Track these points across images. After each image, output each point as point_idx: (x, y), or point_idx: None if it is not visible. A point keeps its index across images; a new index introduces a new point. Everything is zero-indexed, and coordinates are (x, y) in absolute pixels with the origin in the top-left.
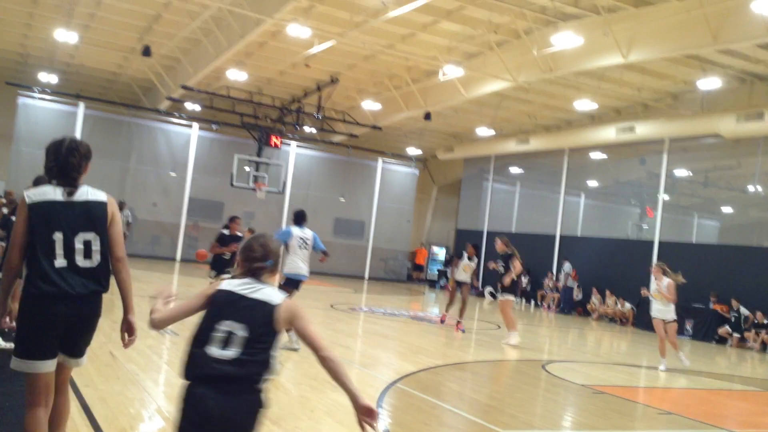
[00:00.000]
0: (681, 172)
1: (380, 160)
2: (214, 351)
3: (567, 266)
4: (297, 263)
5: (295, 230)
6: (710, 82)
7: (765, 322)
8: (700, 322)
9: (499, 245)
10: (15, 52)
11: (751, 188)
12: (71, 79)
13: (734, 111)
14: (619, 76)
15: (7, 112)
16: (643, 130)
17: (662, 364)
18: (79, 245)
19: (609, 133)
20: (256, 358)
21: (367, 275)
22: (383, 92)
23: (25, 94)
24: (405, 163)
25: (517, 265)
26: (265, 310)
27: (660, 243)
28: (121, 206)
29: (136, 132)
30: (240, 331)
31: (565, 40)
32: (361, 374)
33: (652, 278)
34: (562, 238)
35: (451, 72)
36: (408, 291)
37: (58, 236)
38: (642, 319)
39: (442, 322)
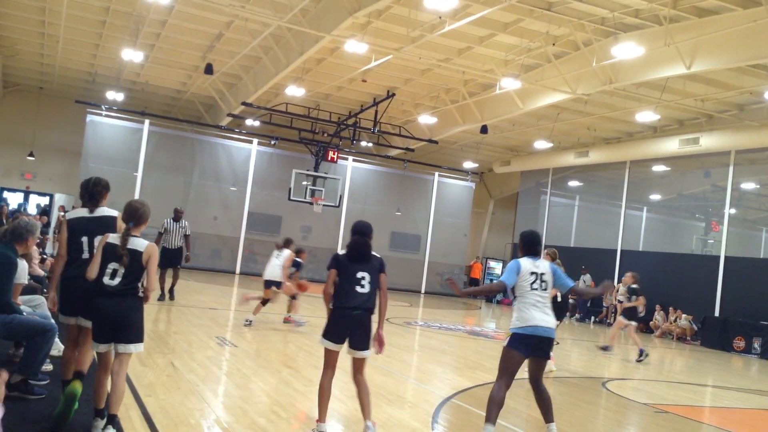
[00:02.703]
0: (748, 185)
1: (436, 174)
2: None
3: (587, 278)
4: (527, 312)
5: (525, 263)
6: None
7: None
8: None
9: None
10: (84, 72)
11: None
12: (137, 97)
13: None
14: (682, 86)
15: (76, 129)
16: (708, 141)
17: None
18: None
19: (672, 145)
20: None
21: (423, 289)
22: (439, 106)
23: (93, 112)
24: (461, 176)
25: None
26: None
27: (726, 258)
28: (178, 216)
29: (198, 148)
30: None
31: (626, 50)
32: (417, 389)
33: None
34: (623, 252)
35: (508, 85)
36: (464, 305)
37: (84, 239)
38: (708, 337)
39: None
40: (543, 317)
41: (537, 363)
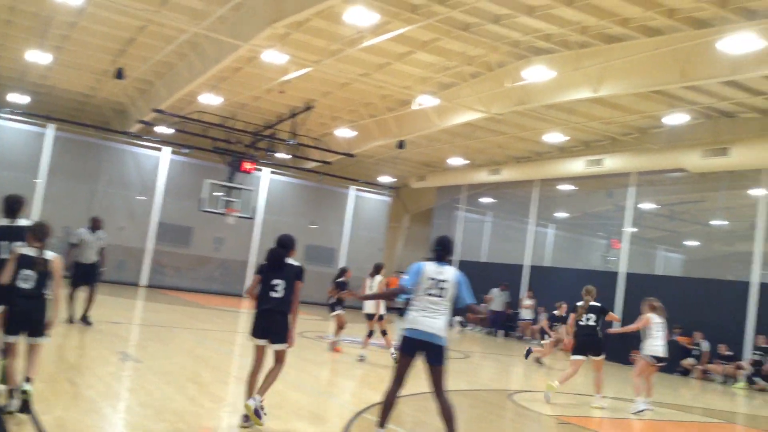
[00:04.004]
0: (647, 206)
1: (353, 188)
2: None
3: (494, 291)
4: (412, 315)
5: (428, 267)
6: (677, 118)
7: (728, 354)
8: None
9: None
10: None
11: (714, 222)
12: (42, 101)
13: (699, 146)
14: (588, 110)
15: None
16: (611, 163)
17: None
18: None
19: (578, 166)
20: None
21: None
22: (357, 120)
23: None
24: (377, 190)
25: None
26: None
27: (625, 274)
28: (96, 226)
29: (105, 155)
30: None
31: (537, 73)
32: (328, 404)
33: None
34: (531, 268)
35: (425, 102)
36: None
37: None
38: (606, 351)
39: None
40: (427, 322)
41: (431, 371)
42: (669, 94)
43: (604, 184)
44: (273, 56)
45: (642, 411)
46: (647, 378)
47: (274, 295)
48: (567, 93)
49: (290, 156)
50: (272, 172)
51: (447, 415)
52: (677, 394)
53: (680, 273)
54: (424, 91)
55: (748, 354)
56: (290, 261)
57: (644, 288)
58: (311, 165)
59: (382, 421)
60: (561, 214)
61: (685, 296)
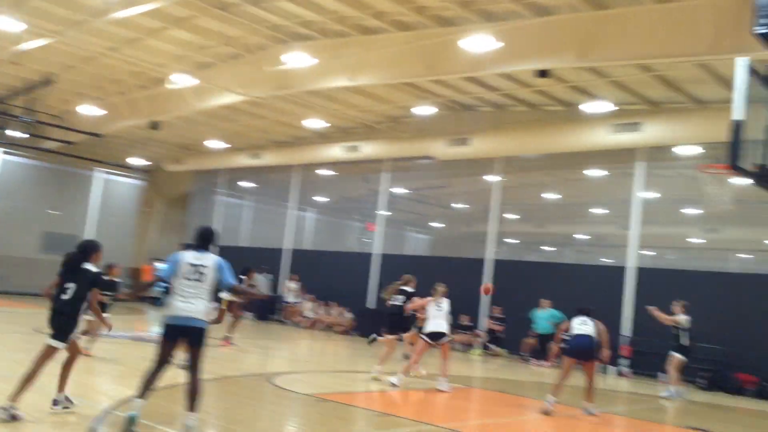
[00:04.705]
0: (399, 190)
1: (99, 170)
2: None
3: (260, 277)
4: (171, 301)
5: (186, 255)
6: (425, 109)
7: (468, 324)
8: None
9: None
10: None
11: (456, 206)
12: None
13: (444, 136)
14: (346, 97)
15: None
16: (367, 149)
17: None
18: None
19: (336, 152)
20: None
21: None
22: (105, 97)
23: None
24: (128, 173)
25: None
26: None
27: (381, 255)
28: None
29: None
30: None
31: (297, 59)
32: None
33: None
34: (293, 251)
35: (180, 81)
36: (129, 310)
37: None
38: (363, 328)
39: None
40: (184, 306)
41: (191, 352)
42: (418, 86)
43: (361, 169)
44: (5, 23)
45: (394, 385)
46: (443, 357)
47: (63, 297)
48: (326, 80)
49: (27, 135)
50: (5, 153)
51: (191, 391)
52: (428, 364)
53: (427, 252)
54: (179, 70)
55: (484, 324)
56: (87, 266)
57: (396, 268)
58: (51, 145)
59: (142, 394)
60: (321, 198)
61: (431, 274)
